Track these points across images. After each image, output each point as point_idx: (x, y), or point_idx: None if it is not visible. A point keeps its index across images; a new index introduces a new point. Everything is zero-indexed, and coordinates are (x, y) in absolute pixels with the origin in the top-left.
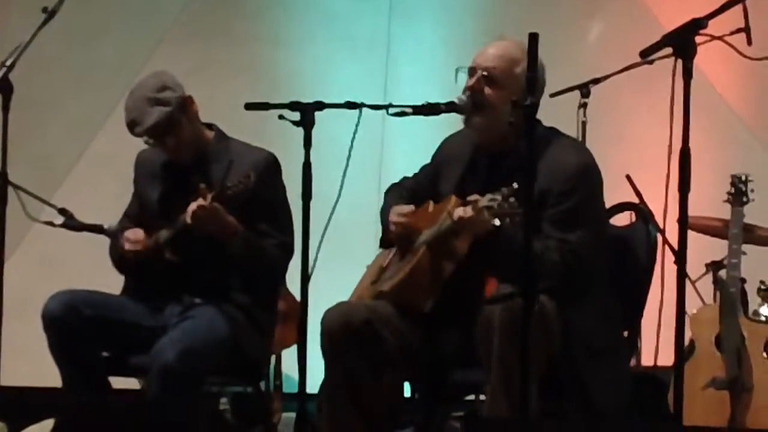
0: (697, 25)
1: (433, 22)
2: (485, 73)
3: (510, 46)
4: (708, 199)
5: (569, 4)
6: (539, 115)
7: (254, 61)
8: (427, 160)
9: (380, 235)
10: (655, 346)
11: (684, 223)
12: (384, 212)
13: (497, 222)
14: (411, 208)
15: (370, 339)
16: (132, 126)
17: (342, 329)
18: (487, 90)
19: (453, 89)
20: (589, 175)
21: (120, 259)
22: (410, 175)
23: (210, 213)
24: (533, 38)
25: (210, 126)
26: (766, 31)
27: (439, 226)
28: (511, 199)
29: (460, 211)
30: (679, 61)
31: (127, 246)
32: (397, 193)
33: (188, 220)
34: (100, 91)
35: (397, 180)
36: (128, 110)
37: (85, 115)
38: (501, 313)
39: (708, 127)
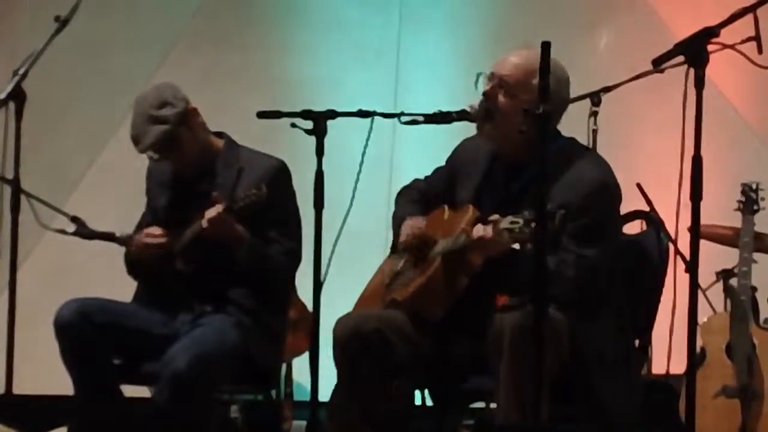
0: (709, 33)
1: (443, 30)
2: (500, 81)
3: (530, 56)
4: (718, 208)
5: (579, 12)
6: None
7: (265, 69)
8: (441, 165)
9: (391, 241)
10: (667, 355)
11: (696, 231)
12: (396, 217)
13: (516, 246)
14: (423, 223)
15: (381, 347)
16: (134, 143)
17: (353, 338)
18: (501, 98)
19: (463, 96)
20: (609, 192)
21: (134, 264)
22: (421, 177)
23: (223, 221)
24: (546, 47)
25: (220, 134)
26: None
27: (455, 239)
28: (533, 224)
29: (480, 230)
30: (691, 70)
31: (148, 240)
32: (409, 197)
33: (205, 225)
34: (111, 99)
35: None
36: (131, 126)
37: (97, 123)
38: (511, 322)
39: (718, 135)
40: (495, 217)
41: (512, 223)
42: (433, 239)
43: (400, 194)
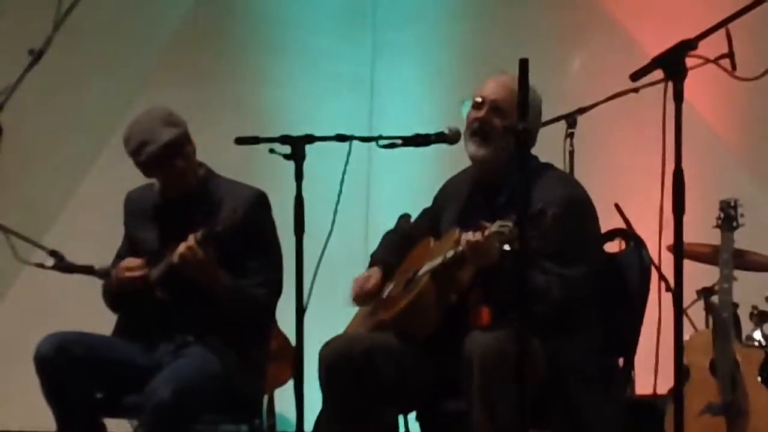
0: (687, 46)
1: (415, 57)
2: (493, 104)
3: (510, 80)
4: (696, 226)
5: (552, 35)
6: (534, 150)
7: (240, 101)
8: (414, 195)
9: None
10: (654, 374)
11: (679, 243)
12: (373, 257)
13: (507, 247)
14: (377, 275)
15: (369, 370)
16: (141, 147)
17: (340, 361)
18: (496, 120)
19: (437, 121)
20: (580, 207)
21: (113, 296)
22: (395, 211)
23: (198, 258)
24: (524, 64)
25: (199, 164)
26: (753, 52)
27: (444, 254)
28: None
29: (469, 235)
30: (670, 83)
31: (127, 274)
32: (387, 239)
33: (175, 260)
34: (87, 133)
35: (383, 216)
36: (135, 135)
37: (74, 158)
38: (482, 343)
39: (693, 152)
40: (484, 224)
41: (501, 226)
42: (419, 264)
43: (384, 236)
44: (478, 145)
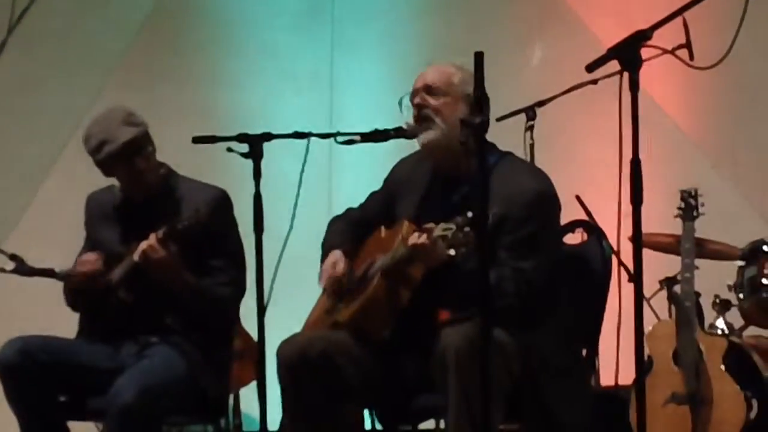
0: (641, 36)
1: (375, 52)
2: (425, 88)
3: (441, 64)
4: (658, 216)
5: (510, 29)
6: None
7: (199, 100)
8: (376, 189)
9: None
10: (616, 365)
11: (638, 233)
12: (324, 247)
13: (452, 252)
14: (342, 263)
15: (327, 369)
16: (101, 146)
17: (298, 361)
18: (432, 101)
19: (398, 118)
20: (548, 202)
21: (74, 296)
22: (356, 205)
23: (159, 256)
24: (479, 57)
25: (161, 165)
26: (711, 42)
27: (393, 253)
28: (466, 229)
29: (414, 238)
30: (626, 74)
31: (82, 268)
32: (338, 226)
33: (136, 258)
34: (46, 138)
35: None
36: (95, 134)
37: (33, 161)
38: (456, 338)
39: (653, 142)
40: (429, 225)
41: (445, 229)
42: (372, 257)
43: (330, 223)
44: (424, 131)
